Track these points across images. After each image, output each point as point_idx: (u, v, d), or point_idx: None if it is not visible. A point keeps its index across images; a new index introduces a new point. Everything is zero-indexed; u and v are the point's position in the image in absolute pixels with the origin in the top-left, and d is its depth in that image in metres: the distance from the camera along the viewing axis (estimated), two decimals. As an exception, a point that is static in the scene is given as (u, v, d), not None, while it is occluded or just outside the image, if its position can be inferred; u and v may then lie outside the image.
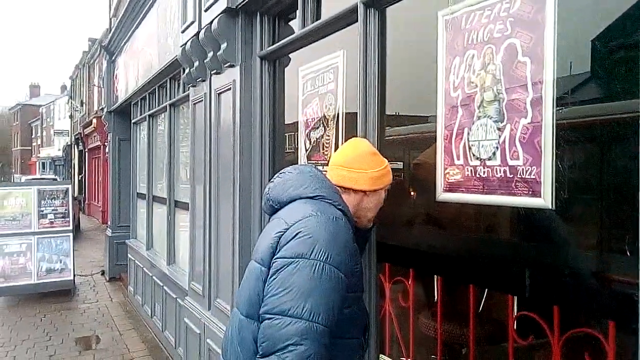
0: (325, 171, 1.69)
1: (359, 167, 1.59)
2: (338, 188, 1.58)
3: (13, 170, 56.82)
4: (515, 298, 1.65)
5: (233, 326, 1.50)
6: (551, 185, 1.39)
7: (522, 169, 1.46)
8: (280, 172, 1.64)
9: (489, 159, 1.57)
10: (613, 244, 1.43)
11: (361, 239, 1.74)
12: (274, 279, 1.32)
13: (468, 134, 1.65)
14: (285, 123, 2.97)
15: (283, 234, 1.38)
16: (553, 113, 1.38)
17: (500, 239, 1.81)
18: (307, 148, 2.65)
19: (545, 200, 1.40)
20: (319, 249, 1.31)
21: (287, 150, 2.95)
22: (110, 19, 8.51)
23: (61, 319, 6.19)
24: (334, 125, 2.42)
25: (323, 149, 2.51)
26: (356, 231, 1.66)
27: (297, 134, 2.75)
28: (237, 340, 1.44)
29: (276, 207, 1.56)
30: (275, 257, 1.36)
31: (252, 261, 1.49)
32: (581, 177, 1.46)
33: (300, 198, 1.49)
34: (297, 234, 1.35)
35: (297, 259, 1.31)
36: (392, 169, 1.69)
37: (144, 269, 6.00)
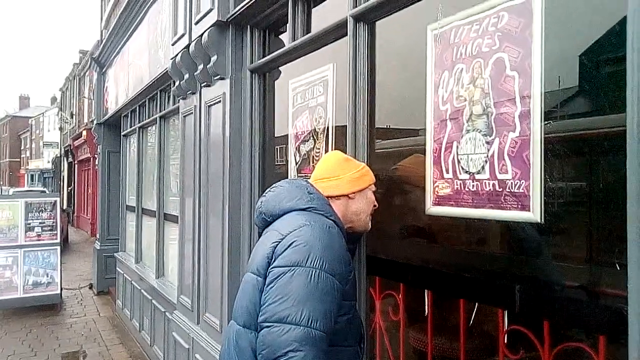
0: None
1: (335, 174, 1.66)
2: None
3: (1, 183, 56.18)
4: (506, 312, 1.64)
5: (230, 337, 1.50)
6: (540, 199, 1.39)
7: (511, 182, 1.46)
8: (273, 186, 1.68)
9: (478, 172, 1.57)
10: (602, 257, 1.43)
11: (351, 246, 1.74)
12: (271, 287, 1.35)
13: (457, 147, 1.65)
14: (276, 136, 2.97)
15: (278, 244, 1.42)
16: (541, 127, 1.39)
17: (489, 252, 1.80)
18: (297, 161, 2.65)
19: (534, 213, 1.40)
20: (314, 257, 1.34)
21: (277, 163, 2.95)
22: (102, 31, 8.51)
23: (47, 333, 6.07)
24: (324, 138, 2.42)
25: (313, 162, 2.50)
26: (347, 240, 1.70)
27: (287, 147, 2.74)
28: (235, 351, 1.46)
29: (269, 220, 1.59)
30: (271, 266, 1.39)
31: (248, 273, 1.51)
32: (570, 191, 1.46)
33: (293, 210, 1.53)
34: (292, 243, 1.38)
35: (293, 267, 1.33)
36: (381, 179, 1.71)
37: (133, 282, 5.93)
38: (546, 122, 1.39)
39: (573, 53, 1.43)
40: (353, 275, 1.51)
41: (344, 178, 1.65)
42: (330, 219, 1.52)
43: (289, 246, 1.39)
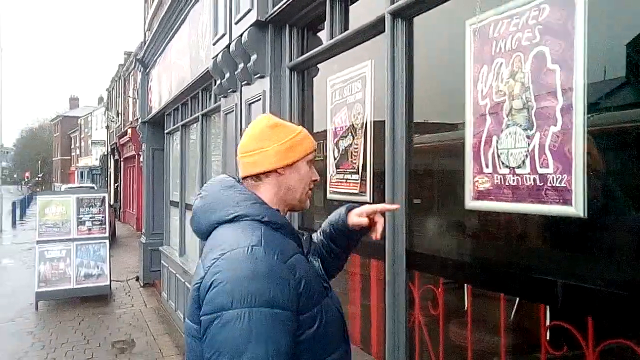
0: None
1: (258, 147, 1.36)
2: (251, 182, 1.37)
3: (54, 179, 58.96)
4: (548, 308, 1.62)
5: None
6: (583, 193, 1.37)
7: (553, 177, 1.45)
8: (200, 190, 1.43)
9: (519, 167, 1.56)
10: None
11: (352, 241, 1.55)
12: (205, 340, 1.15)
13: (497, 142, 1.64)
14: (314, 132, 3.01)
15: (201, 284, 1.19)
16: (584, 120, 1.37)
17: (530, 247, 1.78)
18: (335, 157, 2.68)
19: (576, 208, 1.38)
20: (240, 295, 1.11)
21: (316, 159, 2.99)
22: (145, 33, 8.78)
23: (98, 323, 6.38)
24: (362, 134, 2.44)
25: (351, 158, 2.53)
26: (348, 233, 1.50)
27: (326, 143, 2.78)
28: None
29: (203, 237, 1.35)
30: (200, 313, 1.17)
31: (186, 320, 1.29)
32: (614, 185, 1.43)
33: (220, 223, 1.29)
34: (211, 283, 1.15)
35: (219, 313, 1.12)
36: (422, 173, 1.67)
37: (177, 275, 6.13)
38: (589, 115, 1.36)
39: (618, 43, 1.40)
40: (306, 280, 1.23)
41: (269, 150, 1.34)
42: (264, 221, 1.27)
43: (209, 287, 1.15)
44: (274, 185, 1.37)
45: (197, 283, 1.20)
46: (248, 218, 1.27)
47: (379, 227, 1.46)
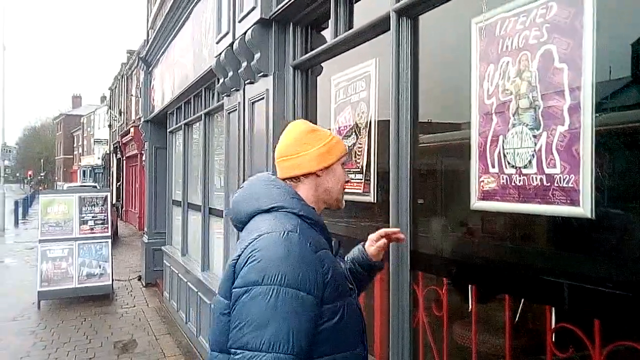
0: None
1: (298, 150, 1.46)
2: (291, 182, 1.47)
3: (56, 178, 59.10)
4: (554, 309, 1.60)
5: None
6: (590, 194, 1.35)
7: (560, 177, 1.43)
8: (241, 185, 1.55)
9: (525, 167, 1.54)
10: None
11: (371, 272, 1.69)
12: (233, 311, 1.25)
13: (503, 141, 1.62)
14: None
15: (237, 261, 1.29)
16: (592, 119, 1.35)
17: (536, 248, 1.77)
18: (339, 156, 2.66)
19: (584, 209, 1.36)
20: (271, 273, 1.21)
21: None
22: (148, 31, 8.79)
23: (100, 322, 6.37)
24: (366, 133, 2.42)
25: (355, 157, 2.52)
26: (366, 266, 1.65)
27: (330, 142, 2.76)
28: None
29: (240, 226, 1.45)
30: (233, 286, 1.28)
31: (217, 295, 1.40)
32: (623, 185, 1.41)
33: (257, 213, 1.39)
34: (247, 260, 1.26)
35: (250, 287, 1.22)
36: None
37: (179, 274, 6.13)
38: (597, 115, 1.35)
39: (627, 41, 1.38)
40: (334, 274, 1.32)
41: (308, 154, 1.45)
42: (299, 214, 1.36)
43: (245, 263, 1.26)
44: (311, 186, 1.48)
45: (233, 260, 1.31)
46: (285, 210, 1.36)
47: (396, 237, 1.68)
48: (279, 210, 1.36)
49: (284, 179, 1.48)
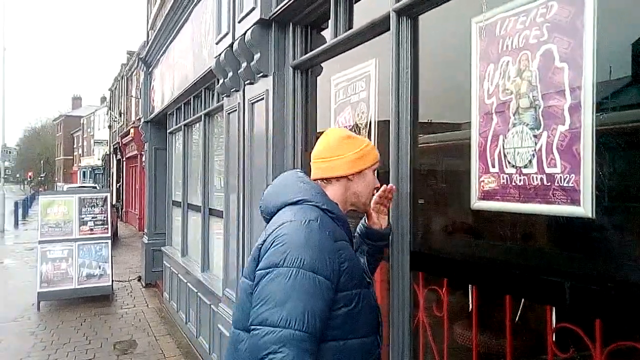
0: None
1: (334, 154, 1.59)
2: (322, 183, 1.59)
3: (56, 179, 59.09)
4: (554, 309, 1.60)
5: (229, 342, 1.54)
6: (591, 193, 1.35)
7: (560, 176, 1.43)
8: (273, 181, 1.67)
9: (525, 166, 1.54)
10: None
11: (380, 242, 1.82)
12: (255, 291, 1.36)
13: (503, 141, 1.62)
14: (318, 132, 2.99)
15: (262, 246, 1.42)
16: (593, 119, 1.35)
17: (536, 248, 1.76)
18: (339, 156, 2.66)
19: (584, 208, 1.36)
20: (292, 256, 1.32)
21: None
22: (148, 32, 8.79)
23: (100, 323, 6.37)
24: (366, 134, 2.42)
25: (355, 157, 2.51)
26: (372, 235, 1.78)
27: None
28: (232, 355, 1.49)
29: (268, 218, 1.57)
30: (257, 269, 1.40)
31: (242, 277, 1.53)
32: (623, 185, 1.41)
33: (286, 205, 1.50)
34: (271, 244, 1.38)
35: (271, 269, 1.33)
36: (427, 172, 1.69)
37: (179, 275, 6.12)
38: (598, 114, 1.34)
39: (628, 41, 1.37)
40: (351, 264, 1.43)
41: (343, 159, 1.58)
42: (323, 208, 1.47)
43: (269, 247, 1.38)
44: (341, 188, 1.59)
45: (259, 244, 1.44)
46: (310, 203, 1.47)
47: (389, 190, 1.77)
48: (304, 203, 1.47)
49: (315, 180, 1.60)
